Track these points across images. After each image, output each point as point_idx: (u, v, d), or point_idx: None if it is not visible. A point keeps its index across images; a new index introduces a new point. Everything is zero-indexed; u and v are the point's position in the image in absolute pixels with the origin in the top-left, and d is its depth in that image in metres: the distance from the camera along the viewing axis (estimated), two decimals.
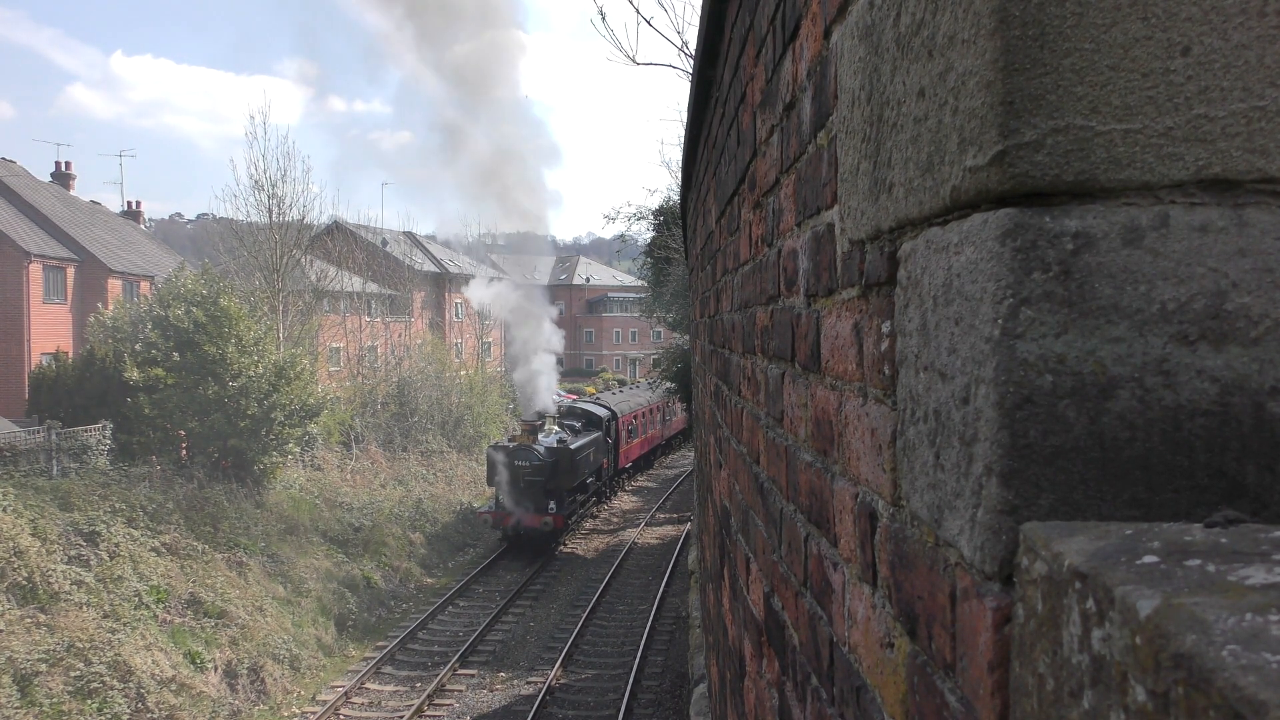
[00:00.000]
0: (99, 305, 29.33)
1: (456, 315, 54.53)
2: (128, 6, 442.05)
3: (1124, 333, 0.77)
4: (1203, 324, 0.77)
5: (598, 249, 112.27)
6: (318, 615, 20.36)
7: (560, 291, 76.90)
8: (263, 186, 33.11)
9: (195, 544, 19.69)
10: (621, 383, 60.20)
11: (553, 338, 36.52)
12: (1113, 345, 0.78)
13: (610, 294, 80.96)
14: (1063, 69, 0.78)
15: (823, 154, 1.45)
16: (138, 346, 23.01)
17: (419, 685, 17.63)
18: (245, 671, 17.58)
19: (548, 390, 33.20)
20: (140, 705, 15.44)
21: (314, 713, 16.63)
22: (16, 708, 14.07)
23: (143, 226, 49.11)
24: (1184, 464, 0.77)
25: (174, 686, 16.14)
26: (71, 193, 42.94)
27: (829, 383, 1.43)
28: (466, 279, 53.61)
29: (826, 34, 1.38)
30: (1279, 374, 0.77)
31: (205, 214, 69.74)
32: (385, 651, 19.19)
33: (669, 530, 29.78)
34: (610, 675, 18.00)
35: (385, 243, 50.90)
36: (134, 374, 22.33)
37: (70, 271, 35.55)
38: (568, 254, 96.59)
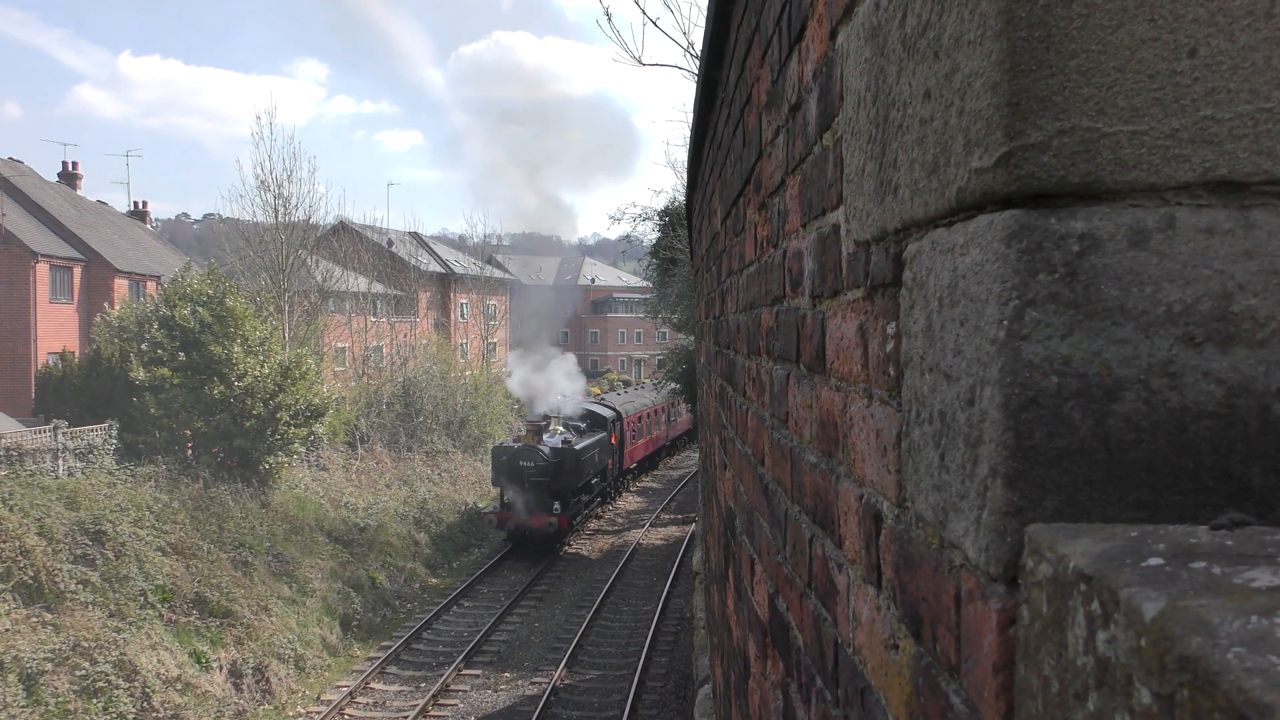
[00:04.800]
0: (105, 305, 29.41)
1: (462, 315, 54.60)
2: (136, 6, 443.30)
3: (1130, 334, 0.77)
4: (1209, 326, 0.77)
5: (603, 250, 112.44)
6: (323, 615, 20.38)
7: (566, 292, 77.01)
8: (269, 186, 33.19)
9: (201, 543, 19.72)
10: (626, 383, 60.20)
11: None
12: (1118, 347, 0.77)
13: (615, 295, 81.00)
14: (1069, 70, 0.78)
15: (828, 155, 1.45)
16: (144, 346, 23.06)
17: (423, 685, 17.65)
18: (250, 671, 17.61)
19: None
20: (145, 704, 15.48)
21: (319, 712, 16.65)
22: (22, 707, 14.11)
23: (149, 226, 49.21)
24: (1190, 466, 0.77)
25: (179, 686, 16.17)
26: (78, 193, 43.04)
27: (834, 384, 1.43)
28: (473, 280, 53.78)
29: (832, 35, 1.38)
30: None
31: (212, 214, 69.92)
32: (390, 651, 19.21)
33: (674, 531, 29.78)
34: (615, 676, 18.00)
35: (391, 243, 50.98)
36: (140, 374, 22.38)
37: (77, 271, 35.65)
38: (573, 254, 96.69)
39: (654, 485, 38.80)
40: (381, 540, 24.84)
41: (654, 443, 40.10)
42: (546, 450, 26.66)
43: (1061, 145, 0.78)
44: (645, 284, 47.32)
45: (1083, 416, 0.78)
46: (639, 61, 10.98)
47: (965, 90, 0.85)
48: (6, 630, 14.92)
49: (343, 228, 45.67)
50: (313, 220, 35.53)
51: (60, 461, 20.22)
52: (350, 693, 17.20)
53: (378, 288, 42.44)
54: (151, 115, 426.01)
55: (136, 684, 15.56)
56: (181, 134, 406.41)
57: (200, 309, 23.37)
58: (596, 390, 49.57)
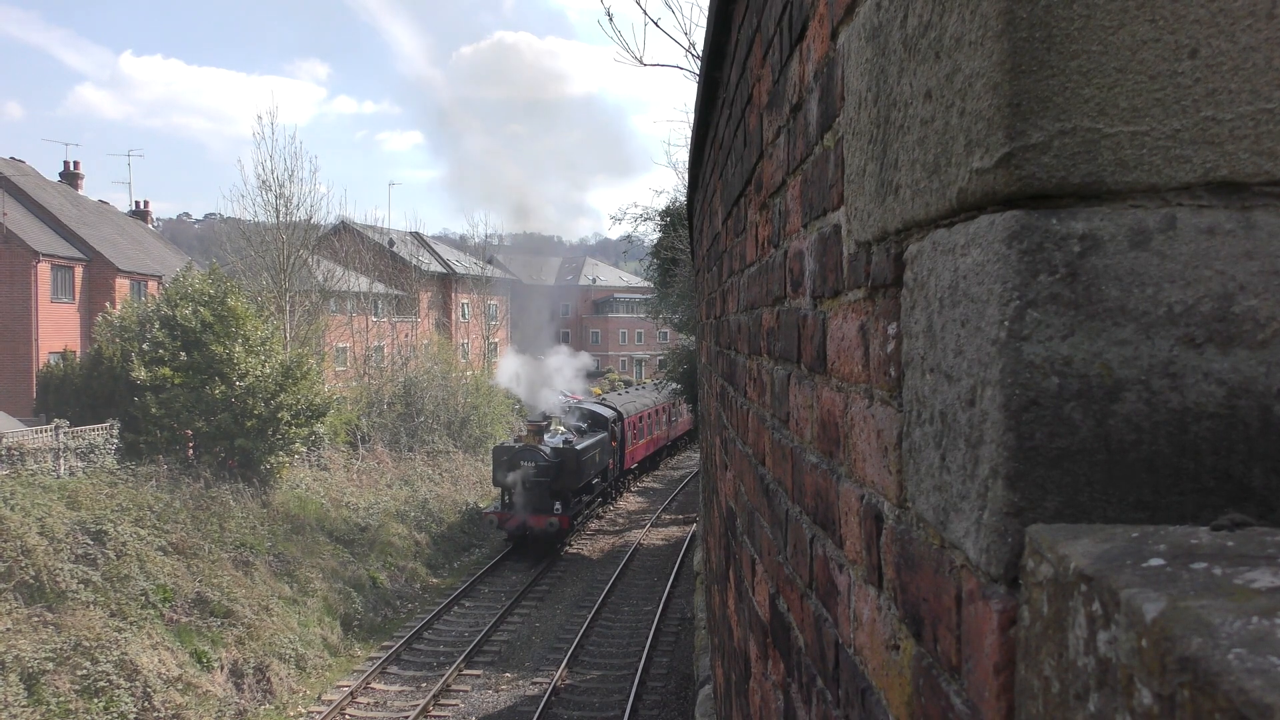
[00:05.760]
0: (107, 305, 29.43)
1: (463, 315, 54.59)
2: (138, 5, 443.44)
3: (1130, 335, 0.77)
4: (1210, 327, 0.77)
5: (604, 250, 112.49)
6: (324, 615, 20.39)
7: (567, 292, 77.10)
8: (270, 186, 33.24)
9: (202, 543, 19.73)
10: (627, 383, 60.23)
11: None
12: (1119, 348, 0.77)
13: (616, 295, 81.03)
14: (1070, 71, 0.78)
15: (829, 155, 1.45)
16: (145, 346, 23.08)
17: (424, 685, 17.65)
18: (251, 671, 17.61)
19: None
20: (147, 704, 15.48)
21: (319, 712, 16.65)
22: (24, 706, 14.12)
23: (150, 226, 49.18)
24: (1190, 467, 0.77)
25: (180, 686, 16.18)
26: (80, 192, 43.04)
27: (835, 384, 1.43)
28: (474, 280, 53.82)
29: (833, 35, 1.38)
30: None
31: (213, 214, 69.80)
32: (391, 651, 19.22)
33: (674, 531, 29.78)
34: (616, 676, 18.00)
35: (392, 243, 50.99)
36: (141, 373, 22.39)
37: (78, 271, 35.66)
38: (575, 255, 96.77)
39: (655, 485, 38.80)
40: (382, 540, 24.85)
41: (655, 443, 40.10)
42: (548, 450, 26.66)
43: (1062, 146, 0.78)
44: (646, 284, 47.35)
45: (1083, 417, 0.78)
46: (640, 62, 11.00)
47: (966, 91, 0.85)
48: (8, 630, 14.93)
49: (344, 228, 45.70)
50: (314, 220, 35.60)
51: (61, 461, 20.23)
52: (351, 692, 17.20)
53: (379, 288, 42.45)
54: (153, 115, 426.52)
55: (138, 684, 15.57)
56: (183, 134, 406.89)
57: (202, 309, 23.39)
58: (598, 390, 49.59)
